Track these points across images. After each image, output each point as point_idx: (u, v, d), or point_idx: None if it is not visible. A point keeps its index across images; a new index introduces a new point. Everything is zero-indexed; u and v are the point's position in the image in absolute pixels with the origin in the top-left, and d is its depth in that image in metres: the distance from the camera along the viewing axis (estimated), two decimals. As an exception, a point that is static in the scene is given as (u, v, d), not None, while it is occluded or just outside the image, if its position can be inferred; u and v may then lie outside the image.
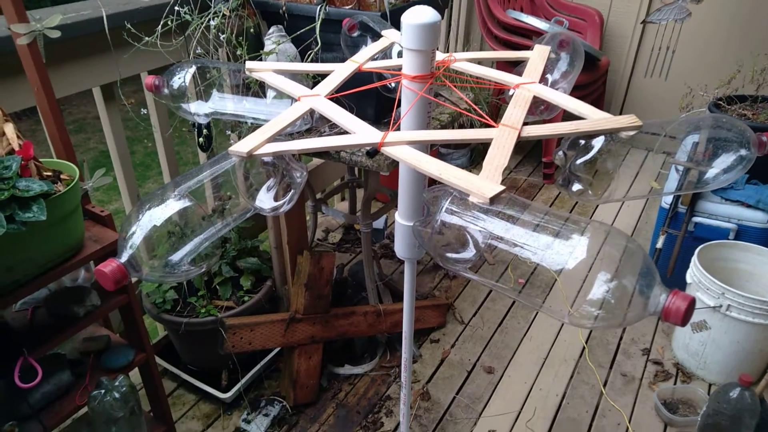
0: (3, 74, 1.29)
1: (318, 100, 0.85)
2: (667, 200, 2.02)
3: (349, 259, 2.45)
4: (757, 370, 1.79)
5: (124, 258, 0.61)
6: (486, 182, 0.63)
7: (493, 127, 0.75)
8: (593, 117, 0.77)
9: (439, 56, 0.96)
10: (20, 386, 1.18)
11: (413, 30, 0.77)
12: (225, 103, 1.03)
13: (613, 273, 0.56)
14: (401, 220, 0.99)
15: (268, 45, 1.56)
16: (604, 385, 1.87)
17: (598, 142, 0.74)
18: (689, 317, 0.51)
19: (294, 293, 1.75)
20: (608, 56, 3.18)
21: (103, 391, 1.37)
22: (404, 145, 0.73)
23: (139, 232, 0.63)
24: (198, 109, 1.01)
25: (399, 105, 0.86)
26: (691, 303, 0.50)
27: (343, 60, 0.99)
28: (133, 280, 1.32)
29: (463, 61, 0.96)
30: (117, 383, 1.39)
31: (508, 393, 1.84)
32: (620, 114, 3.42)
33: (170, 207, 0.65)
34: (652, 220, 2.68)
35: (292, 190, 0.83)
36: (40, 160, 1.13)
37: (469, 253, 0.66)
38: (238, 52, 1.47)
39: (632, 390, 1.85)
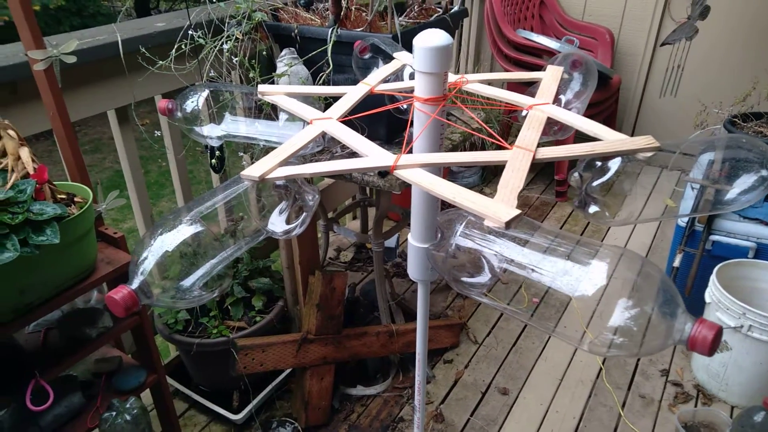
0: (20, 99, 1.31)
1: (330, 122, 0.85)
2: (683, 218, 2.00)
3: (361, 278, 2.44)
4: (781, 392, 1.75)
5: (135, 285, 0.61)
6: (501, 206, 0.62)
7: (506, 148, 0.75)
8: (609, 138, 0.75)
9: (451, 78, 0.95)
10: (32, 409, 1.18)
11: (426, 53, 0.77)
12: (237, 126, 1.03)
13: (635, 299, 0.55)
14: (414, 241, 0.98)
15: (281, 67, 1.58)
16: (623, 407, 1.83)
17: (614, 164, 0.73)
18: (716, 347, 0.49)
19: (306, 313, 1.73)
20: (620, 74, 3.17)
21: (114, 413, 1.36)
22: (417, 167, 0.72)
23: (150, 258, 0.63)
24: (210, 132, 1.01)
25: (411, 126, 0.86)
26: (719, 332, 0.49)
27: (354, 82, 0.99)
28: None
29: (475, 83, 0.95)
30: (128, 405, 1.38)
31: (524, 415, 1.81)
32: (633, 132, 3.44)
33: (182, 232, 0.65)
34: (668, 238, 2.64)
35: (305, 213, 0.82)
36: (55, 183, 1.14)
37: (484, 277, 0.65)
38: (251, 75, 1.48)
39: (652, 412, 1.81)
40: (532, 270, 0.59)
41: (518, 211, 0.61)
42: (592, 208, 0.74)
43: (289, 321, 1.93)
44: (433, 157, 0.76)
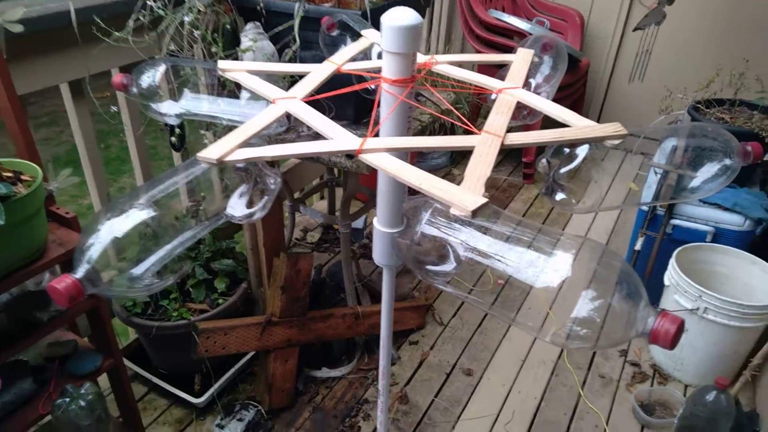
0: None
1: (293, 102, 0.81)
2: (646, 200, 2.03)
3: (328, 259, 2.42)
4: (733, 372, 1.81)
5: (79, 273, 0.57)
6: (468, 194, 0.61)
7: (475, 133, 0.73)
8: (578, 125, 0.74)
9: (421, 58, 0.93)
10: (-22, 397, 1.13)
11: (393, 32, 0.74)
12: (197, 104, 0.98)
13: (597, 290, 0.54)
14: (380, 226, 0.96)
15: (245, 42, 1.52)
16: (582, 386, 1.87)
17: (582, 151, 0.72)
18: (678, 340, 0.49)
19: (270, 296, 1.71)
20: (589, 57, 3.19)
21: (68, 399, 1.31)
22: (383, 152, 0.70)
23: (97, 244, 0.59)
24: (168, 109, 0.96)
25: (378, 107, 0.83)
26: (680, 326, 0.49)
27: (322, 59, 0.96)
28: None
29: (444, 64, 0.93)
30: (83, 391, 1.33)
31: (487, 395, 1.83)
32: (600, 116, 3.45)
33: (132, 218, 0.61)
34: (630, 222, 2.69)
35: (266, 197, 0.79)
36: (0, 160, 1.07)
37: (449, 266, 0.64)
38: (213, 49, 1.42)
39: (610, 392, 1.86)
40: (497, 260, 0.57)
41: (485, 200, 0.59)
42: (559, 195, 0.73)
43: (253, 303, 1.90)
44: (400, 142, 0.73)
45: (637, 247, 2.00)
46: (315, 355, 1.91)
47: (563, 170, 0.72)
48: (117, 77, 0.97)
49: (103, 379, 1.54)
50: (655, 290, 1.90)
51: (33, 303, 1.28)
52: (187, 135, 1.46)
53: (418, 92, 1.81)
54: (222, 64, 0.92)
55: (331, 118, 0.77)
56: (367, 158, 0.69)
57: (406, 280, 2.30)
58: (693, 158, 0.84)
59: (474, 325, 2.11)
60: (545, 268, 0.55)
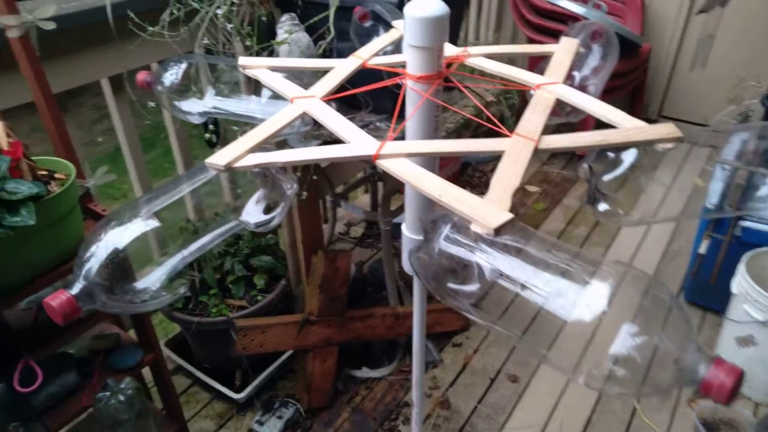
0: (5, 66, 1.24)
1: (313, 102, 0.76)
2: (712, 200, 1.86)
3: (371, 255, 2.37)
4: (809, 389, 1.64)
5: (75, 289, 0.55)
6: (492, 208, 0.54)
7: (505, 135, 0.65)
8: (624, 125, 0.65)
9: (453, 50, 0.85)
10: (20, 391, 1.15)
11: (417, 24, 0.67)
12: (221, 102, 0.95)
13: (642, 326, 0.46)
14: (408, 232, 0.89)
15: (280, 34, 1.48)
16: (638, 400, 1.75)
17: (629, 156, 0.63)
18: (735, 395, 0.41)
19: (308, 294, 1.68)
20: (650, 42, 2.98)
21: (108, 393, 1.33)
22: (402, 157, 0.64)
23: (95, 258, 0.56)
24: (191, 107, 0.93)
25: (402, 107, 0.77)
26: (739, 378, 0.40)
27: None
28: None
29: (479, 57, 0.85)
30: (122, 386, 1.35)
31: (533, 405, 1.74)
32: (662, 105, 3.21)
33: (131, 230, 0.58)
34: (694, 222, 2.50)
35: (282, 204, 0.74)
36: (34, 158, 1.08)
37: (472, 286, 0.57)
38: (247, 43, 1.39)
39: (669, 407, 1.73)
40: (524, 287, 0.50)
41: (510, 216, 0.52)
42: (602, 206, 0.65)
43: (293, 300, 1.88)
44: (421, 146, 0.67)
45: (702, 250, 1.84)
46: (355, 354, 1.88)
47: (606, 178, 0.63)
48: (140, 75, 0.95)
49: (148, 373, 1.57)
50: (722, 299, 1.74)
51: (73, 299, 1.30)
52: (222, 131, 1.44)
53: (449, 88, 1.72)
54: (242, 60, 0.87)
55: (369, 113, 0.72)
56: (384, 164, 0.63)
57: (451, 278, 2.23)
58: (766, 158, 0.73)
59: (521, 328, 2.01)
60: (577, 300, 0.47)
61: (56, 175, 1.09)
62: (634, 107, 3.07)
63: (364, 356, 1.89)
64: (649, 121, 0.63)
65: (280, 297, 1.72)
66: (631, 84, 2.87)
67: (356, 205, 2.03)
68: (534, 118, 0.68)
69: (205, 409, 1.76)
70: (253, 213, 0.75)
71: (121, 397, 1.33)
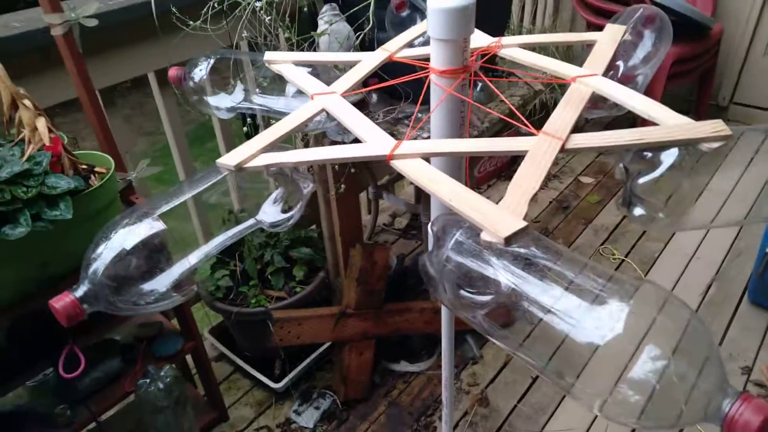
0: (54, 64, 1.29)
1: (333, 98, 0.73)
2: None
3: (414, 247, 2.34)
4: None
5: (80, 292, 0.55)
6: (505, 214, 0.50)
7: (532, 133, 0.61)
8: (666, 123, 0.59)
9: (485, 41, 0.81)
10: (63, 376, 1.20)
11: (438, 15, 0.63)
12: (248, 97, 0.94)
13: (666, 352, 0.42)
14: (435, 232, 0.86)
15: (321, 25, 1.46)
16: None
17: (668, 157, 0.57)
18: (765, 437, 0.36)
19: (345, 287, 1.67)
20: (723, 23, 2.78)
21: (149, 380, 1.38)
22: (418, 157, 0.60)
23: (101, 260, 0.56)
24: (219, 102, 0.93)
25: (424, 103, 0.73)
26: (766, 419, 0.35)
27: None
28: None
29: (514, 47, 0.80)
30: (163, 373, 1.39)
31: (577, 407, 1.67)
32: (734, 92, 2.99)
33: (136, 233, 0.57)
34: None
35: (300, 203, 0.73)
36: (75, 153, 1.11)
37: (484, 296, 0.54)
38: (286, 35, 1.38)
39: (725, 415, 1.62)
40: (539, 306, 0.47)
41: (523, 224, 0.48)
42: (637, 210, 0.59)
43: (332, 292, 1.88)
44: (437, 146, 0.63)
45: (769, 249, 1.70)
46: (393, 347, 1.86)
47: (642, 180, 0.58)
48: (172, 70, 0.95)
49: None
50: None
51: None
52: (261, 125, 1.44)
53: (510, 72, 1.65)
54: (269, 55, 0.86)
55: (409, 103, 0.70)
56: (398, 165, 0.60)
57: (496, 273, 2.17)
58: None
59: (567, 327, 1.93)
60: (588, 321, 0.43)
61: (97, 169, 1.12)
62: (703, 93, 2.87)
63: (402, 350, 1.87)
64: (719, 108, 0.57)
65: (318, 289, 1.73)
66: (699, 68, 2.68)
67: (399, 197, 2.00)
68: (565, 113, 0.63)
69: (245, 396, 1.79)
70: (270, 212, 0.74)
71: (161, 385, 1.37)
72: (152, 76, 1.56)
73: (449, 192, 0.54)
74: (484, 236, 0.49)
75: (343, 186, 1.50)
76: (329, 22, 1.45)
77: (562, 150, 0.58)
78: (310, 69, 0.85)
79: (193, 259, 0.62)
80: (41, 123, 1.03)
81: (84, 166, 1.11)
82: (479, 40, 0.81)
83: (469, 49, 0.68)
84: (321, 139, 1.47)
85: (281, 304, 1.65)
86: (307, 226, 1.86)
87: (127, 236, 0.56)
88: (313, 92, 0.75)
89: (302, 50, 1.49)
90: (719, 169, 0.67)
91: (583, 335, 0.45)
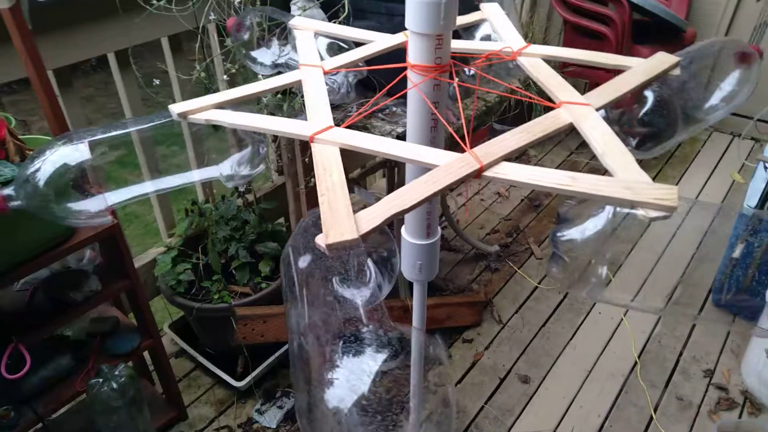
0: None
1: (313, 72, 0.69)
2: (751, 203, 1.74)
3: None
4: (844, 410, 1.53)
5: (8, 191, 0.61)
6: (348, 223, 0.48)
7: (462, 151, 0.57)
8: (617, 174, 0.54)
9: (515, 42, 0.76)
10: (6, 377, 1.12)
11: (415, 7, 0.59)
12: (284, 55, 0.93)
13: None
14: (408, 236, 0.82)
15: (294, 11, 1.40)
16: (655, 409, 1.66)
17: (596, 220, 0.53)
18: None
19: (313, 284, 1.62)
20: (695, 27, 2.80)
21: (101, 379, 1.30)
22: (336, 146, 0.57)
23: (31, 169, 0.61)
24: (263, 58, 0.93)
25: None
26: None
27: (376, 30, 0.83)
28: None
29: (535, 57, 0.75)
30: (116, 372, 1.32)
31: (544, 407, 1.67)
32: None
33: (65, 154, 0.63)
34: (729, 223, 2.36)
35: (259, 163, 0.70)
36: (23, 137, 1.03)
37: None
38: (256, 20, 1.31)
39: (688, 417, 1.63)
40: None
41: (351, 236, 0.46)
42: (554, 270, 0.56)
43: (299, 288, 1.82)
44: (356, 140, 0.60)
45: (736, 254, 1.72)
46: (361, 345, 1.82)
47: (564, 238, 0.54)
48: (231, 20, 0.95)
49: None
50: (753, 306, 1.63)
51: (68, 282, 1.27)
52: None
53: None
54: (294, 21, 0.84)
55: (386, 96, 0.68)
56: (314, 147, 0.57)
57: (466, 271, 2.15)
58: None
59: (536, 327, 1.93)
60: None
61: (45, 156, 1.04)
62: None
63: (370, 348, 1.83)
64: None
65: (285, 285, 1.67)
66: (669, 72, 2.70)
67: (369, 192, 1.95)
68: (513, 139, 0.58)
69: (205, 394, 1.73)
70: (228, 167, 0.71)
71: (114, 384, 1.30)
72: (112, 57, 1.47)
73: (324, 188, 0.52)
74: (317, 239, 0.49)
75: (313, 180, 1.44)
76: (302, 8, 1.39)
77: (477, 176, 0.54)
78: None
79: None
80: (-17, 104, 0.94)
81: (32, 152, 1.03)
82: (510, 40, 0.76)
83: (447, 47, 0.63)
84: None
85: (245, 300, 1.59)
86: (274, 220, 1.80)
87: (56, 155, 0.62)
88: (302, 62, 0.71)
89: (273, 36, 1.43)
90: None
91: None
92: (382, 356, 0.56)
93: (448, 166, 0.54)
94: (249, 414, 1.66)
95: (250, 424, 1.63)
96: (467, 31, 0.89)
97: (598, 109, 0.61)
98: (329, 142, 0.59)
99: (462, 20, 0.84)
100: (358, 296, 0.69)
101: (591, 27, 2.50)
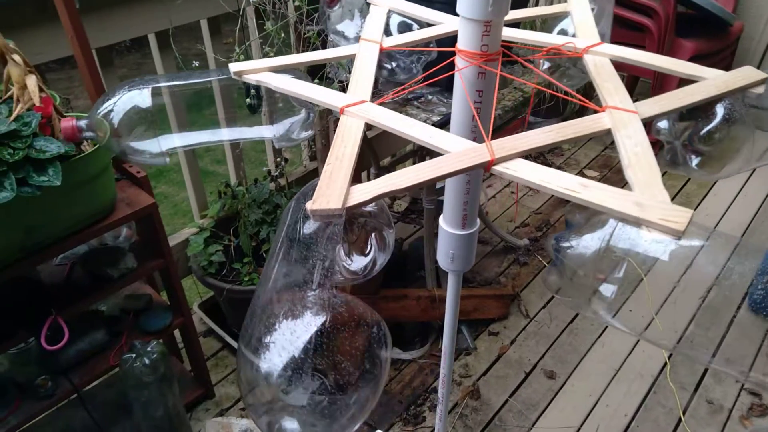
0: (42, 20, 1.21)
1: (368, 48, 0.70)
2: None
3: (413, 231, 2.30)
4: None
5: (83, 122, 0.70)
6: (334, 194, 0.51)
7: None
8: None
9: (588, 39, 0.75)
10: (45, 348, 1.15)
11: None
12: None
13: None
14: (446, 226, 0.81)
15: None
16: (684, 411, 1.63)
17: (593, 240, 0.52)
18: None
19: (342, 270, 1.62)
20: (743, 20, 2.70)
21: (134, 355, 1.33)
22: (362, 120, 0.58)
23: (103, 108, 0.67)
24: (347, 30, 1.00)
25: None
26: None
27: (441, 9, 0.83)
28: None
29: (603, 57, 0.73)
30: (149, 348, 1.34)
31: (569, 404, 1.65)
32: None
33: (133, 98, 0.67)
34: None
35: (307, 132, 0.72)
36: (67, 114, 1.05)
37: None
38: (296, 3, 1.31)
39: (719, 422, 1.60)
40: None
41: (335, 207, 0.50)
42: (552, 278, 0.54)
43: (328, 273, 1.83)
44: (382, 117, 0.61)
45: (777, 257, 1.66)
46: (387, 333, 1.83)
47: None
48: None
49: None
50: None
51: (105, 259, 1.29)
52: (264, 95, 1.38)
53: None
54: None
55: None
56: (342, 119, 0.59)
57: (494, 263, 2.13)
58: None
59: (564, 323, 1.91)
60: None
61: (89, 134, 1.06)
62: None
63: (394, 336, 1.83)
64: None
65: (314, 270, 1.68)
66: (715, 66, 2.62)
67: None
68: (537, 137, 0.57)
69: (232, 374, 1.75)
70: (282, 128, 0.73)
71: (146, 360, 1.33)
72: (152, 37, 1.49)
73: (334, 157, 0.56)
74: (308, 204, 0.50)
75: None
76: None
77: (487, 169, 0.53)
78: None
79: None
80: (31, 81, 0.96)
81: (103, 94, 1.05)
82: (582, 36, 0.75)
83: (496, 34, 0.62)
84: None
85: (275, 283, 1.61)
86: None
87: (122, 98, 0.68)
88: (363, 36, 0.73)
89: (312, 21, 1.43)
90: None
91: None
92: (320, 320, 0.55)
93: (460, 155, 0.54)
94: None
95: (275, 406, 1.65)
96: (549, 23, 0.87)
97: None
98: (357, 116, 0.60)
99: (543, 11, 0.82)
100: (354, 264, 0.69)
101: (633, 18, 2.43)
